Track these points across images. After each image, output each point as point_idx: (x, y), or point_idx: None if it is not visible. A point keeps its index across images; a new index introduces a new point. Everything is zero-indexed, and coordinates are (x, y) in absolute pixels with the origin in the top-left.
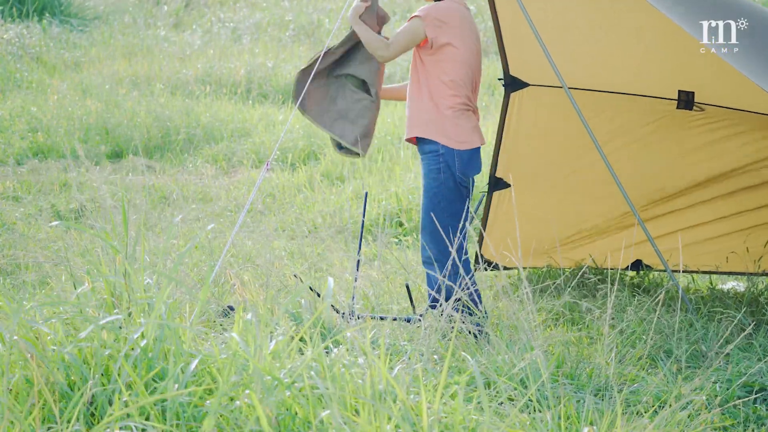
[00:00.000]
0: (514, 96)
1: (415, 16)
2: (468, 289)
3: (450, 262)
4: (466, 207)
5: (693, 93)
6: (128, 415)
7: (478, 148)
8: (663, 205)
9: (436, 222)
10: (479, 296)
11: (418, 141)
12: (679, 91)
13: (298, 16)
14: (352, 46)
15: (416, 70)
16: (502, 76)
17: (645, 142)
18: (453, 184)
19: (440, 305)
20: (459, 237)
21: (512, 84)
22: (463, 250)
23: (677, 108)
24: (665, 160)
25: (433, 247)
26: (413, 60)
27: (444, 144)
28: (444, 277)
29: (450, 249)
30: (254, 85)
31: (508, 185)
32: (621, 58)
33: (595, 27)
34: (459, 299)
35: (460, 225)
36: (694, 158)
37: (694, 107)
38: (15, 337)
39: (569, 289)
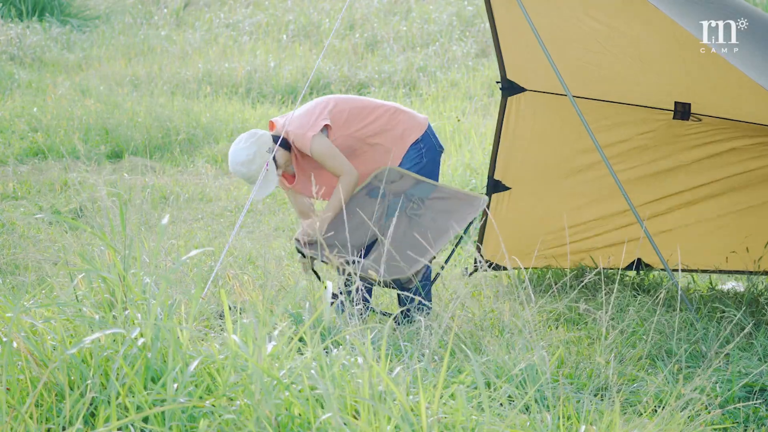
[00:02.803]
0: (512, 100)
1: (310, 135)
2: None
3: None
4: None
5: (689, 104)
6: (127, 414)
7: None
8: (661, 208)
9: None
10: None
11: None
12: (675, 102)
13: (298, 17)
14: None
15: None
16: (499, 80)
17: (641, 152)
18: (434, 165)
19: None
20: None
21: (509, 88)
22: None
23: (674, 118)
24: (662, 168)
25: None
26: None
27: (415, 138)
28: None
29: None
30: (254, 85)
31: (507, 188)
32: (617, 68)
33: (592, 35)
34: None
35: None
36: (691, 167)
37: (691, 117)
38: (14, 337)
39: (570, 290)
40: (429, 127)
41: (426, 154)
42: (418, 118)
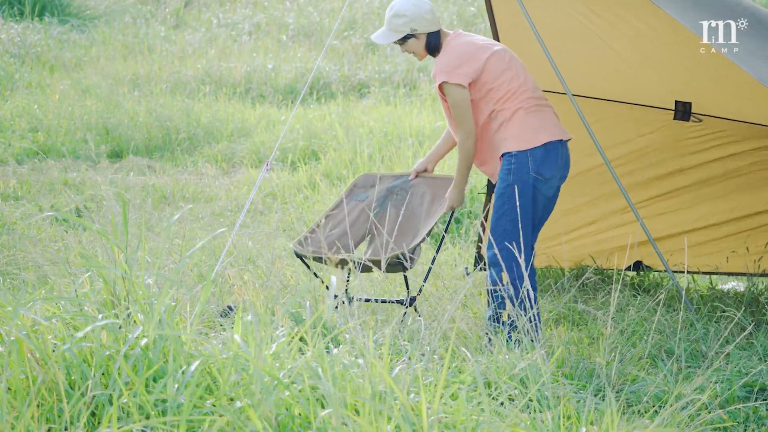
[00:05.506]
0: None
1: (442, 83)
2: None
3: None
4: (531, 212)
5: (690, 104)
6: (128, 414)
7: (556, 143)
8: (661, 207)
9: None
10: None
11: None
12: (676, 101)
13: (298, 17)
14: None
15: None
16: None
17: (642, 152)
18: (523, 187)
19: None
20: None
21: None
22: (529, 262)
23: (674, 119)
24: (662, 169)
25: (498, 249)
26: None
27: (510, 149)
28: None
29: (515, 254)
30: (254, 85)
31: None
32: (618, 65)
33: (592, 34)
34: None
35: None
36: (692, 169)
37: (692, 118)
38: (13, 337)
39: (570, 290)
40: (541, 148)
41: (515, 171)
42: (539, 134)
